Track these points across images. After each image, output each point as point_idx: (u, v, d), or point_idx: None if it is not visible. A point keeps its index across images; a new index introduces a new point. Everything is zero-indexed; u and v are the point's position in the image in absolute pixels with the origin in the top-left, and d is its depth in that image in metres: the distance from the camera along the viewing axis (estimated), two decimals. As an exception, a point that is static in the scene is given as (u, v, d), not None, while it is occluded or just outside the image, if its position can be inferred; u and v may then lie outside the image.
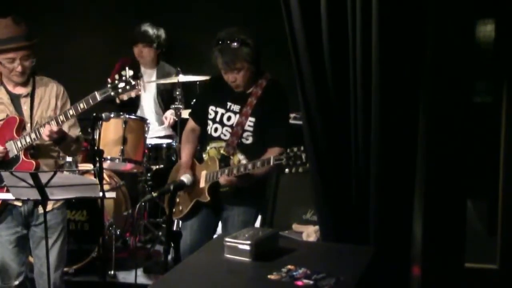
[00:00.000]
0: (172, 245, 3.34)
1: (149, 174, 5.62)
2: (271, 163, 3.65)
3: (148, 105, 5.94)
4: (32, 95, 3.83)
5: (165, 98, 5.90)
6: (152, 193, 3.80)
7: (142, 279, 4.94)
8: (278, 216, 5.44)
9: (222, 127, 4.02)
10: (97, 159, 3.98)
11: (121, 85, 3.64)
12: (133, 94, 3.86)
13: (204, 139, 4.16)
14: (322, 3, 3.15)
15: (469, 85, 3.22)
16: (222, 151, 4.00)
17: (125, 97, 3.75)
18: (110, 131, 5.28)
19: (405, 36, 3.07)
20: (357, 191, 3.31)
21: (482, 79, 3.51)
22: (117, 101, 3.73)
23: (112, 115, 5.17)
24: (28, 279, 4.03)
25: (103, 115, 4.74)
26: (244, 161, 3.92)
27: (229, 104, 4.02)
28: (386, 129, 3.15)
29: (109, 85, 3.64)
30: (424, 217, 3.20)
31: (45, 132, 3.65)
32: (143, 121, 5.47)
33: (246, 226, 4.00)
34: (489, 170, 3.46)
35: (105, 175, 4.91)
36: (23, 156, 3.77)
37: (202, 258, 3.13)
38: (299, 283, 2.66)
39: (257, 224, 5.66)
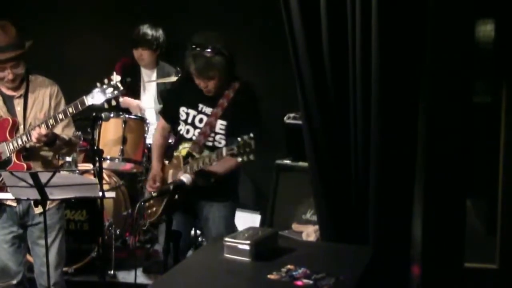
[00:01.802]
0: (172, 244, 3.34)
1: (148, 171, 5.61)
2: (224, 154, 3.66)
3: (148, 105, 5.93)
4: (25, 96, 3.80)
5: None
6: (152, 193, 3.80)
7: (141, 278, 4.94)
8: (277, 215, 5.44)
9: (194, 129, 4.02)
10: (97, 158, 3.98)
11: (109, 90, 3.62)
12: (121, 98, 3.85)
13: (177, 139, 4.17)
14: (322, 3, 3.15)
15: (469, 85, 3.22)
16: (188, 150, 4.01)
17: (113, 102, 3.73)
18: (109, 131, 5.28)
19: (405, 35, 3.07)
20: (356, 191, 3.31)
21: (481, 79, 3.51)
22: (105, 106, 3.69)
23: (112, 115, 5.16)
24: (26, 279, 4.03)
25: (103, 114, 4.74)
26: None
27: (200, 106, 4.01)
28: (385, 129, 3.15)
29: (97, 90, 3.62)
30: (423, 216, 3.20)
31: (33, 135, 3.62)
32: (142, 121, 5.46)
33: (227, 220, 4.07)
34: (489, 170, 3.47)
35: (104, 175, 4.89)
36: (15, 158, 3.75)
37: (202, 258, 3.13)
38: (299, 283, 2.66)
39: (257, 223, 5.68)
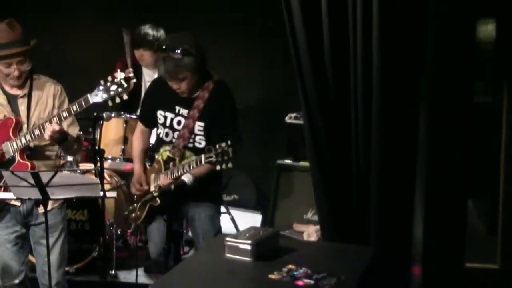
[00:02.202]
0: (173, 244, 3.35)
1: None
2: (203, 162, 3.71)
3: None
4: (29, 96, 3.81)
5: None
6: (153, 192, 3.81)
7: (143, 278, 4.94)
8: (279, 215, 5.45)
9: (173, 132, 4.04)
10: (98, 158, 3.98)
11: (113, 87, 3.61)
12: (125, 96, 3.83)
13: (156, 141, 4.19)
14: (323, 3, 3.15)
15: (470, 85, 3.22)
16: (168, 154, 4.01)
17: (117, 99, 3.73)
18: (111, 131, 5.28)
19: (406, 35, 3.07)
20: (357, 191, 3.31)
21: (482, 79, 3.51)
22: (110, 103, 3.69)
23: (113, 115, 5.17)
24: (28, 278, 4.03)
25: (104, 114, 4.75)
26: None
27: (177, 108, 4.02)
28: (386, 129, 3.15)
29: (101, 87, 3.62)
30: (424, 216, 3.20)
31: (47, 132, 3.63)
32: (144, 120, 5.47)
33: (212, 220, 4.11)
34: (490, 170, 3.47)
35: (106, 175, 4.90)
36: (19, 157, 3.75)
37: (203, 258, 3.13)
38: (300, 282, 2.66)
39: (258, 223, 5.68)
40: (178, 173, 3.88)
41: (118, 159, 5.28)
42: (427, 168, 3.19)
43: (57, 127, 3.62)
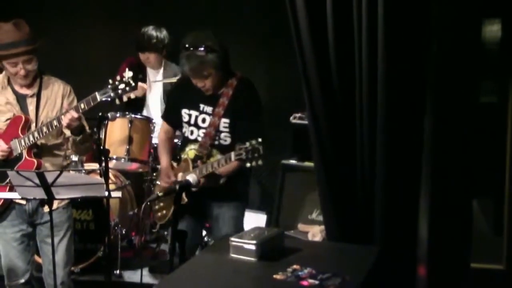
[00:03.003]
0: (178, 244, 3.34)
1: (154, 174, 5.61)
2: (232, 159, 3.68)
3: (154, 105, 5.94)
4: (38, 95, 3.86)
5: (170, 97, 5.90)
6: (158, 192, 3.81)
7: (147, 278, 4.95)
8: (283, 216, 5.45)
9: (198, 130, 4.03)
10: (103, 158, 3.98)
11: (121, 86, 3.65)
12: (132, 95, 3.87)
13: (182, 140, 4.18)
14: (328, 2, 3.15)
15: (475, 84, 3.21)
16: (196, 152, 4.01)
17: (124, 98, 3.75)
18: (115, 131, 5.29)
19: (411, 35, 3.07)
20: (362, 191, 3.31)
21: (488, 78, 3.51)
22: (117, 102, 3.72)
23: (118, 115, 5.17)
24: (34, 278, 4.04)
25: (109, 114, 4.74)
26: None
27: (201, 106, 4.01)
28: (392, 128, 3.15)
29: (109, 86, 3.66)
30: (430, 216, 3.19)
31: (65, 120, 3.65)
32: (148, 120, 5.47)
33: (236, 221, 4.08)
34: (495, 170, 3.46)
35: (110, 175, 4.89)
36: (26, 155, 3.79)
37: (208, 258, 3.13)
38: (305, 283, 2.66)
39: (263, 224, 5.68)
40: (206, 171, 3.85)
41: (123, 159, 5.29)
42: (432, 168, 3.19)
43: (75, 114, 3.64)
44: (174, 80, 5.70)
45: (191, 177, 3.77)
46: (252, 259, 2.91)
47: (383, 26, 3.03)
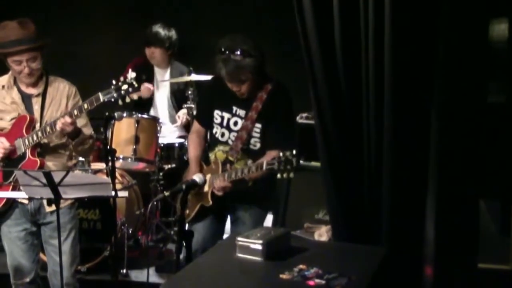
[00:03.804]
0: (184, 244, 3.34)
1: (161, 174, 5.64)
2: (264, 168, 3.59)
3: (161, 105, 5.95)
4: (43, 95, 3.87)
5: (178, 97, 5.91)
6: (164, 192, 3.81)
7: (154, 278, 4.95)
8: (290, 215, 5.44)
9: (229, 132, 3.99)
10: (110, 158, 3.99)
11: (124, 87, 3.66)
12: (135, 96, 3.86)
13: (212, 140, 4.15)
14: (334, 2, 3.15)
15: (483, 84, 3.20)
16: (226, 155, 3.98)
17: (127, 99, 3.76)
18: (122, 131, 5.30)
19: (418, 34, 3.06)
20: (369, 191, 3.30)
21: (496, 78, 3.49)
22: (120, 103, 3.73)
23: (124, 115, 5.19)
24: (39, 277, 4.05)
25: (116, 114, 4.76)
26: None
27: (234, 108, 3.98)
28: (398, 129, 3.14)
29: (112, 87, 3.67)
30: (436, 217, 3.18)
31: (58, 124, 3.67)
32: (155, 120, 5.48)
33: (257, 225, 3.99)
34: (502, 170, 3.45)
35: (117, 174, 4.91)
36: (29, 154, 3.80)
37: (214, 258, 3.13)
38: (311, 282, 2.66)
39: (269, 223, 5.68)
40: (235, 177, 3.80)
41: (129, 159, 5.29)
42: (439, 168, 3.18)
43: (69, 119, 3.66)
44: (181, 80, 5.71)
45: (197, 177, 3.77)
46: (259, 258, 2.91)
47: (390, 26, 3.02)
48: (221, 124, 4.02)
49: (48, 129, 3.72)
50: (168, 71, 5.93)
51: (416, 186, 3.21)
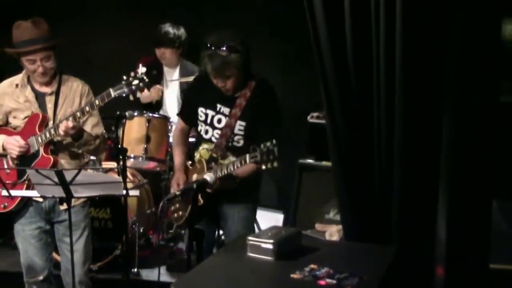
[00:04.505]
0: (195, 243, 3.35)
1: (172, 173, 5.64)
2: (247, 161, 3.63)
3: (171, 104, 5.96)
4: (57, 93, 3.90)
5: (188, 96, 5.91)
6: (176, 192, 3.81)
7: (165, 277, 4.96)
8: (300, 215, 5.44)
9: (213, 130, 4.00)
10: (121, 157, 4.00)
11: (135, 82, 3.67)
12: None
13: (197, 138, 4.17)
14: (345, 2, 3.14)
15: (495, 84, 3.19)
16: (211, 153, 4.00)
17: (138, 94, 3.77)
18: (133, 130, 5.30)
19: (429, 34, 3.05)
20: (380, 190, 3.29)
21: (508, 78, 3.48)
22: (131, 98, 3.75)
23: (135, 114, 5.20)
24: (53, 275, 4.07)
25: (127, 113, 4.76)
26: None
27: (218, 106, 3.98)
28: (409, 128, 3.14)
29: (123, 82, 3.69)
30: (448, 217, 3.17)
31: (61, 128, 3.70)
32: (166, 119, 5.48)
33: (247, 221, 4.06)
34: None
35: (128, 173, 4.92)
36: (42, 152, 3.83)
37: (225, 257, 3.13)
38: (322, 282, 2.66)
39: (280, 223, 5.68)
40: (221, 173, 3.81)
41: (140, 158, 5.30)
42: (451, 168, 3.17)
43: (71, 124, 3.69)
44: (191, 79, 5.72)
45: (209, 176, 3.77)
46: (270, 258, 2.91)
47: (401, 25, 3.02)
48: (205, 122, 4.04)
49: (52, 131, 3.76)
50: (178, 70, 5.94)
51: (427, 185, 3.20)
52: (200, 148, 4.07)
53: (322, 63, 3.28)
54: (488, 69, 3.10)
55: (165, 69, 5.91)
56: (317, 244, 3.29)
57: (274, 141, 3.53)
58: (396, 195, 3.23)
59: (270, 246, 2.91)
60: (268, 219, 5.53)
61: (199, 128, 4.08)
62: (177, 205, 4.15)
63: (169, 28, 5.76)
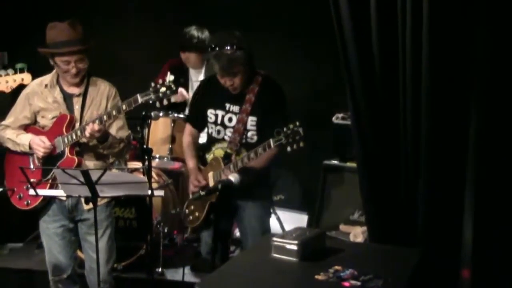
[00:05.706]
0: (219, 243, 3.36)
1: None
2: (272, 145, 3.70)
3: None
4: (84, 95, 3.95)
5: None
6: (200, 192, 3.83)
7: (189, 277, 4.97)
8: (325, 216, 5.43)
9: (225, 129, 4.08)
10: (146, 157, 4.03)
11: (162, 89, 3.72)
12: (173, 99, 3.92)
13: (208, 140, 4.22)
14: (372, 3, 3.13)
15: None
16: (226, 150, 4.04)
17: (165, 101, 3.81)
18: (158, 130, 5.34)
19: (457, 34, 3.03)
20: (405, 192, 3.27)
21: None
22: (157, 105, 3.80)
23: (161, 114, 5.23)
24: (77, 274, 4.10)
25: (152, 114, 4.80)
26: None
27: (227, 105, 4.07)
28: (436, 129, 3.11)
29: (151, 89, 3.73)
30: (474, 218, 3.14)
31: (87, 130, 3.75)
32: (191, 120, 5.50)
33: (261, 220, 4.12)
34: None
35: (153, 174, 4.95)
36: (68, 153, 3.88)
37: (249, 257, 3.13)
38: (346, 284, 2.65)
39: (304, 224, 5.67)
40: (242, 164, 3.89)
41: (165, 158, 5.33)
42: (477, 170, 3.14)
43: (96, 127, 3.74)
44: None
45: (234, 177, 3.78)
46: (294, 259, 2.90)
47: (428, 25, 3.00)
48: (215, 123, 4.10)
49: (78, 133, 3.80)
50: (203, 71, 5.95)
51: (453, 187, 3.18)
52: (214, 148, 4.12)
53: (347, 64, 3.27)
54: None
55: (191, 70, 5.93)
56: (342, 246, 3.28)
57: (297, 122, 3.62)
58: (422, 197, 3.20)
59: (295, 247, 2.91)
60: (293, 220, 5.52)
61: (210, 130, 4.14)
62: (192, 207, 4.17)
63: (194, 32, 5.77)
